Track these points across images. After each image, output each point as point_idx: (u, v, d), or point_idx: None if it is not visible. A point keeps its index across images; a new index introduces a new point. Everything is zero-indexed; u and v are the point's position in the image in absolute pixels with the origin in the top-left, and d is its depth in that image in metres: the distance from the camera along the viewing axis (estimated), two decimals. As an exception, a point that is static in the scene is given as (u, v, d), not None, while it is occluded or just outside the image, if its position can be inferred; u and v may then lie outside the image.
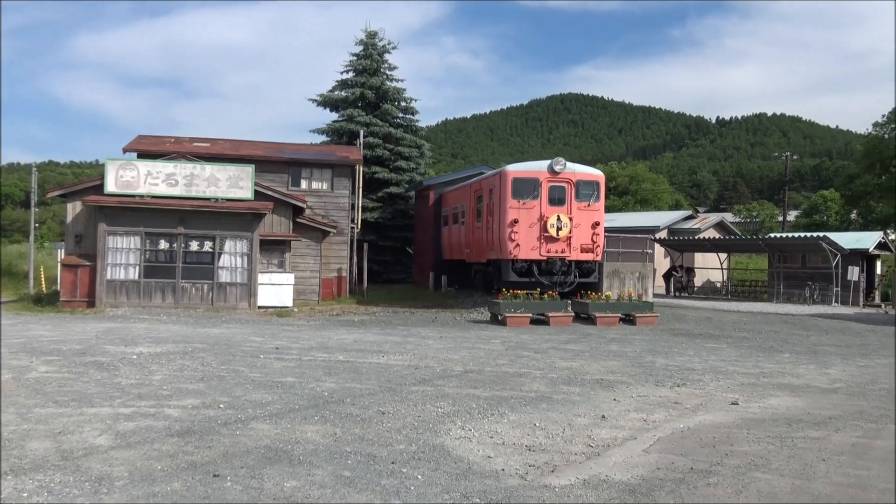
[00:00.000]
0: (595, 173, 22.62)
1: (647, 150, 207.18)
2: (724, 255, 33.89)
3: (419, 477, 5.83)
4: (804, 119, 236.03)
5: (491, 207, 22.65)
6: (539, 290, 19.74)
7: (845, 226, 62.19)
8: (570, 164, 21.97)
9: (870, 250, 29.67)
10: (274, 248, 22.64)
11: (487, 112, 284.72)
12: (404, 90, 35.06)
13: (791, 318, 22.06)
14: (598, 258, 22.10)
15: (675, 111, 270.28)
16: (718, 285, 34.84)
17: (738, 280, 36.35)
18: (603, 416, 8.38)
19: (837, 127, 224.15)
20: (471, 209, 25.03)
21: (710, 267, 34.21)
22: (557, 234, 21.23)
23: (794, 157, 58.20)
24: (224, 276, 21.52)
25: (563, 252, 21.45)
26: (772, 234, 35.33)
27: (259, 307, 21.45)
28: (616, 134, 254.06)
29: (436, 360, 11.97)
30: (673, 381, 10.84)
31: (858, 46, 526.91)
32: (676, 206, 72.70)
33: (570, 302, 19.85)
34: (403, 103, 35.31)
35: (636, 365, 12.40)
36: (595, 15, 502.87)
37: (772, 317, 22.62)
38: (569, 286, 21.19)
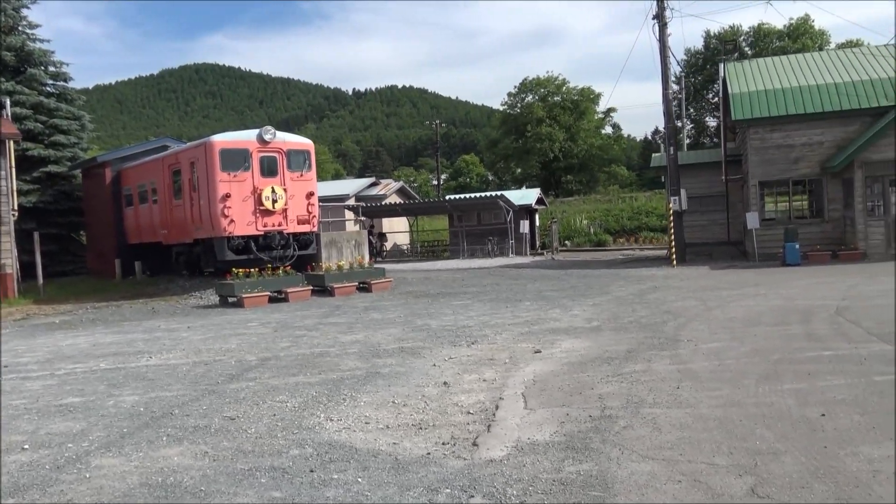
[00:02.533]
0: (305, 142, 22.00)
1: (289, 122, 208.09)
2: (411, 219, 35.65)
3: (360, 481, 5.13)
4: (430, 91, 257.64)
5: (195, 182, 20.78)
6: (271, 267, 18.74)
7: (484, 186, 69.58)
8: (279, 134, 21.08)
9: (532, 205, 33.59)
10: (-83, 246, 18.07)
11: (113, 83, 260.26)
12: (52, 52, 30.09)
13: (492, 271, 24.03)
14: (315, 229, 21.68)
15: (314, 83, 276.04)
16: (404, 248, 36.58)
17: (422, 241, 38.61)
18: (445, 383, 8.24)
19: (458, 98, 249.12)
20: (165, 185, 22.69)
21: (395, 231, 35.74)
22: (273, 207, 20.33)
23: (442, 126, 63.18)
24: None
25: (280, 225, 20.62)
26: (453, 196, 38.07)
27: None
28: (257, 105, 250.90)
29: (215, 353, 10.66)
30: (465, 341, 11.05)
31: (468, 27, 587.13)
32: (336, 176, 74.43)
33: (303, 275, 19.15)
34: (53, 68, 30.27)
35: (415, 329, 12.42)
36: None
37: (475, 271, 24.40)
38: (289, 260, 20.44)
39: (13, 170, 23.50)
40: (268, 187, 20.24)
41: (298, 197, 21.01)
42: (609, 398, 7.09)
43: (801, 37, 52.90)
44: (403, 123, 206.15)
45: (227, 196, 19.64)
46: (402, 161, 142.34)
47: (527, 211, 32.82)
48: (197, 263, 22.87)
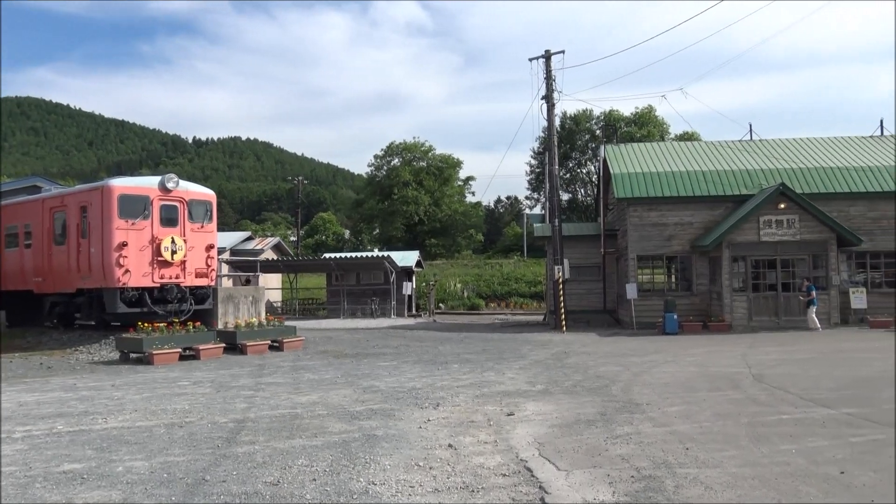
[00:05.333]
0: (208, 193, 21.25)
1: (122, 166, 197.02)
2: (286, 276, 34.88)
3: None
4: (275, 145, 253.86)
5: (85, 228, 19.41)
6: (179, 322, 17.74)
7: (341, 245, 69.45)
8: (182, 182, 20.26)
9: (413, 267, 34.06)
10: None
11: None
12: None
13: (387, 332, 24.07)
14: (213, 283, 20.84)
15: (151, 127, 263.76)
16: (277, 305, 35.66)
17: (298, 298, 37.77)
18: (450, 445, 8.33)
19: (304, 154, 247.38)
20: (44, 229, 20.95)
21: (270, 287, 34.79)
22: (172, 259, 19.40)
23: (304, 182, 62.72)
24: None
25: (178, 278, 19.67)
26: (338, 255, 37.61)
27: None
28: (86, 146, 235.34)
29: (173, 414, 10.00)
30: (428, 403, 11.12)
31: (316, 86, 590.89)
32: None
33: (216, 332, 18.25)
34: None
35: (366, 391, 12.30)
36: (54, 14, 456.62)
37: (369, 332, 24.31)
38: (185, 315, 19.47)
39: None
40: (168, 237, 19.31)
41: (198, 249, 20.19)
42: (633, 459, 7.47)
43: (646, 124, 58.36)
44: (247, 176, 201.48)
45: (124, 244, 18.53)
46: (244, 215, 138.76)
47: (407, 273, 33.23)
48: (69, 316, 21.16)
